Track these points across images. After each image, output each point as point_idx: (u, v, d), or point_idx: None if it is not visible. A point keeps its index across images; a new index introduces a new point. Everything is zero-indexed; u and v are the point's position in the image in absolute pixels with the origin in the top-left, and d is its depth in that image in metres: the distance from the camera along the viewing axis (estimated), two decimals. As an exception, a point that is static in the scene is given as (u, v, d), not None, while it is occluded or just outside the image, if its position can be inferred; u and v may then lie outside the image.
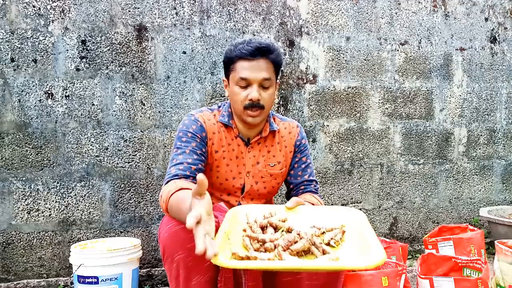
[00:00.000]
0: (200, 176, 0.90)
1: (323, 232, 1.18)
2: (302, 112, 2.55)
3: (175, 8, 2.33)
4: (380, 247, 0.98)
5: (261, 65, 1.40)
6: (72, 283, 2.15)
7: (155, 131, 2.31)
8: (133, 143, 2.28)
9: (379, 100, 2.70)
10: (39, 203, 2.17)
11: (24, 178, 2.15)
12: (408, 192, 2.78)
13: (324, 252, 1.06)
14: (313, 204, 1.44)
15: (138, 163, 2.29)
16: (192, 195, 0.94)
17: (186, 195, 1.14)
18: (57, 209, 2.19)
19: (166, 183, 1.32)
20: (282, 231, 1.17)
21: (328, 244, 1.11)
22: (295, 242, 1.07)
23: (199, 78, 2.37)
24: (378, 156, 2.71)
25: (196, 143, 1.42)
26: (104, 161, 2.24)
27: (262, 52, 1.40)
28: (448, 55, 2.82)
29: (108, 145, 2.25)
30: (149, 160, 2.30)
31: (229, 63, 1.45)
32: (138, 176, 2.29)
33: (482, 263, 1.70)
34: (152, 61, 2.30)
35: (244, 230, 1.18)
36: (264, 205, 1.36)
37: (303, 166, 1.58)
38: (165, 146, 2.32)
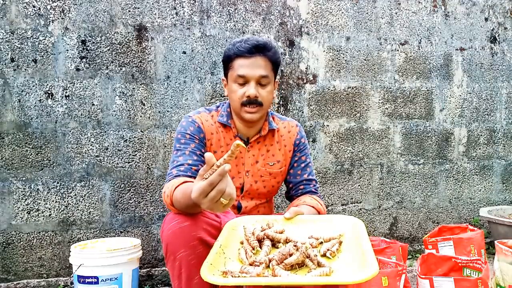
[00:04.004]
0: (208, 154, 0.94)
1: (321, 242, 1.18)
2: (302, 112, 2.55)
3: (175, 8, 2.33)
4: (373, 260, 0.99)
5: (259, 62, 1.41)
6: (72, 283, 2.15)
7: (155, 131, 2.31)
8: (133, 143, 2.28)
9: (379, 100, 2.70)
10: (39, 203, 2.17)
11: (24, 178, 2.15)
12: (408, 192, 2.78)
13: (319, 265, 1.06)
14: (313, 207, 1.44)
15: (138, 163, 2.29)
16: (199, 176, 0.97)
17: (191, 184, 1.16)
18: (57, 209, 2.19)
19: (167, 183, 1.33)
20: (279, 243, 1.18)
21: (324, 255, 1.11)
22: (290, 255, 1.07)
23: (199, 78, 2.37)
24: (378, 156, 2.71)
25: (195, 144, 1.43)
26: (104, 161, 2.24)
27: (259, 49, 1.41)
28: (448, 55, 2.82)
29: (108, 145, 2.25)
30: (149, 160, 2.30)
31: (227, 62, 1.46)
32: (138, 176, 2.29)
33: (482, 263, 1.70)
34: (152, 61, 2.30)
35: (241, 243, 1.19)
36: (262, 216, 1.36)
37: (302, 165, 1.58)
38: (165, 146, 2.32)
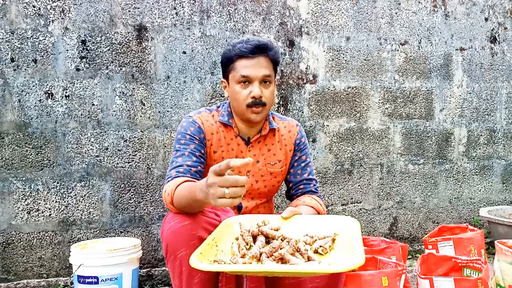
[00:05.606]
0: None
1: (316, 240, 1.18)
2: (302, 112, 2.55)
3: (175, 8, 2.33)
4: (361, 252, 0.99)
5: (261, 62, 1.42)
6: (72, 283, 2.15)
7: (155, 131, 2.31)
8: (133, 143, 2.28)
9: (379, 100, 2.70)
10: (39, 203, 2.17)
11: (24, 178, 2.15)
12: (408, 192, 2.78)
13: (309, 259, 1.06)
14: (312, 207, 1.44)
15: (138, 163, 2.29)
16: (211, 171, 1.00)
17: (195, 183, 1.18)
18: (57, 209, 2.19)
19: (167, 183, 1.34)
20: (275, 239, 1.18)
21: (316, 252, 1.12)
22: (281, 248, 1.08)
23: (199, 78, 2.37)
24: (378, 156, 2.71)
25: (194, 145, 1.43)
26: (104, 161, 2.24)
27: (261, 49, 1.42)
28: (448, 55, 2.82)
29: (108, 145, 2.25)
30: (149, 160, 2.30)
31: (228, 63, 1.45)
32: (138, 176, 2.29)
33: (482, 263, 1.70)
34: (152, 61, 2.30)
35: (237, 239, 1.20)
36: (260, 215, 1.37)
37: (302, 164, 1.59)
38: (165, 146, 2.32)
